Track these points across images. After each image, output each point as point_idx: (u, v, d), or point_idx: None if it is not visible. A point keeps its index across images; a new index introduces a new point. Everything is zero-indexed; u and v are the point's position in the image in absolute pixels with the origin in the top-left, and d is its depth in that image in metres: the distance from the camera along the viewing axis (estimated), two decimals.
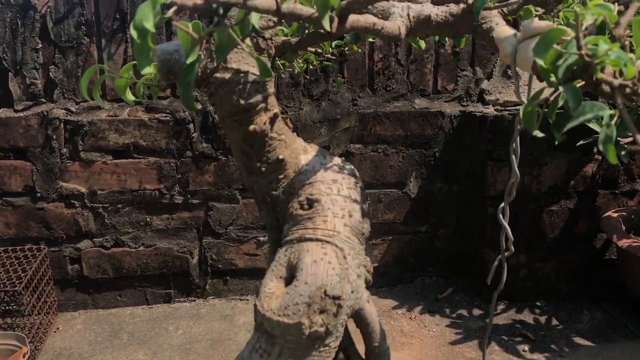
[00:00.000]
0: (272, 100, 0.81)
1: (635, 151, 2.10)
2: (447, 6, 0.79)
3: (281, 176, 0.85)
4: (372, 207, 2.15)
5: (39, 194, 1.94)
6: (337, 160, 0.90)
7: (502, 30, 0.74)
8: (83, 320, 2.02)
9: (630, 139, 1.82)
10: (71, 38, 1.90)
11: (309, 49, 1.20)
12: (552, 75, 0.57)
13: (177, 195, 2.02)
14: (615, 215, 2.03)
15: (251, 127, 0.78)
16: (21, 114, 1.90)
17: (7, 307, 1.79)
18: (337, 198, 0.82)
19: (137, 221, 2.03)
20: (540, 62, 0.56)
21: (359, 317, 0.80)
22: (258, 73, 0.79)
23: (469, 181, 2.11)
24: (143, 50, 0.58)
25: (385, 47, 2.07)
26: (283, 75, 1.27)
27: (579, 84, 0.56)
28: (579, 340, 1.85)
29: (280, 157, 0.82)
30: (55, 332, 1.94)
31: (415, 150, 2.13)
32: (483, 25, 0.76)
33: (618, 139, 1.80)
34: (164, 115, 1.97)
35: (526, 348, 1.81)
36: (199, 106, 1.95)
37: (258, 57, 0.59)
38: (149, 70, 0.60)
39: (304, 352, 0.73)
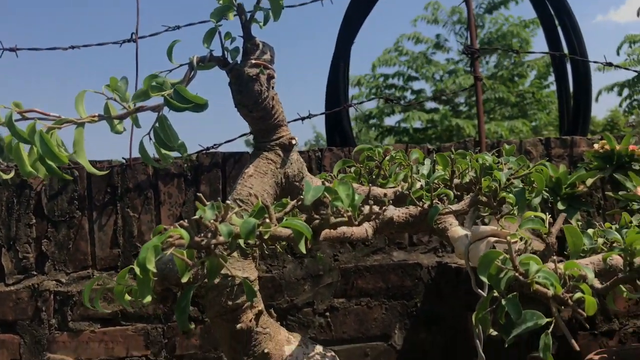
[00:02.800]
0: (257, 297, 0.89)
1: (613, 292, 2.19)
2: (407, 208, 0.91)
3: None
4: None
5: None
6: (319, 348, 0.97)
7: (455, 230, 0.85)
8: None
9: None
10: (64, 212, 2.01)
11: None
12: (495, 287, 0.66)
13: None
14: (596, 358, 2.07)
15: (239, 326, 0.85)
16: (12, 288, 1.96)
17: None
18: None
19: None
20: (484, 279, 0.66)
21: None
22: (245, 276, 0.89)
23: (452, 331, 2.15)
24: (144, 283, 0.68)
25: None
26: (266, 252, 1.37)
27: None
28: None
29: (266, 350, 0.88)
30: None
31: (397, 302, 2.20)
32: (439, 225, 0.88)
33: None
34: None
35: None
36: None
37: (245, 281, 0.69)
38: (149, 300, 0.68)
39: None
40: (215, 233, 0.63)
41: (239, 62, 0.91)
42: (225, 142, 1.99)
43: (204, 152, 2.05)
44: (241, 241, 0.73)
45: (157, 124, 0.83)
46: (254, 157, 0.95)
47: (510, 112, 11.48)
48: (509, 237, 0.67)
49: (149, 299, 0.68)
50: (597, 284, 0.72)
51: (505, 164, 0.91)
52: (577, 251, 0.75)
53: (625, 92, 10.55)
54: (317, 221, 0.76)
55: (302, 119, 2.05)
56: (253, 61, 0.89)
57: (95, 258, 2.03)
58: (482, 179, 0.86)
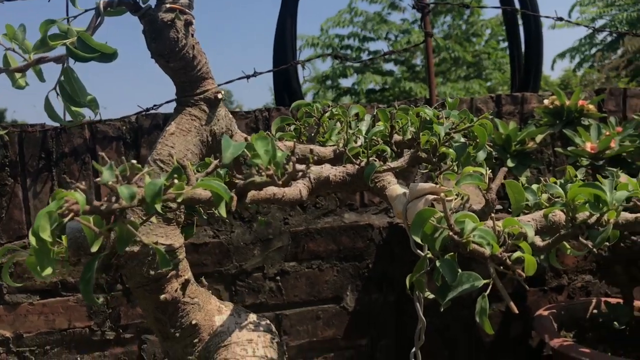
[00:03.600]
0: (184, 265, 0.83)
1: (558, 248, 2.20)
2: (344, 167, 0.85)
3: (196, 340, 0.85)
4: (311, 325, 2.14)
5: None
6: (253, 317, 0.91)
7: (394, 189, 0.80)
8: None
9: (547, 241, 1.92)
10: None
11: None
12: (430, 248, 0.61)
13: (108, 330, 1.96)
14: (546, 313, 2.09)
15: (162, 297, 0.79)
16: None
17: None
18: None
19: None
20: (417, 239, 0.61)
21: None
22: (167, 242, 0.82)
23: (404, 291, 2.14)
24: (43, 253, 0.60)
25: None
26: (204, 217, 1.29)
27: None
28: None
29: (194, 322, 0.83)
30: None
31: (349, 264, 2.17)
32: (377, 184, 0.82)
33: None
34: None
35: None
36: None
37: (157, 248, 0.62)
38: (49, 272, 0.61)
39: None
40: (118, 197, 0.56)
41: (152, 6, 0.82)
42: (166, 103, 1.88)
43: (144, 113, 1.95)
44: (158, 205, 0.66)
45: (62, 77, 0.74)
46: (176, 113, 0.87)
47: (467, 72, 11.52)
48: (443, 195, 0.62)
49: (48, 271, 0.61)
50: (538, 241, 0.68)
51: (446, 118, 0.86)
52: (520, 208, 0.71)
53: (577, 58, 10.72)
54: (240, 182, 0.69)
55: (247, 77, 1.96)
56: (168, 5, 0.80)
57: (30, 227, 1.92)
58: (421, 134, 0.81)
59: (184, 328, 0.83)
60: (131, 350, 2.00)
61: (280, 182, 0.63)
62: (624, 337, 1.95)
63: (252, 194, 0.73)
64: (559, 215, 0.73)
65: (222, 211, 0.64)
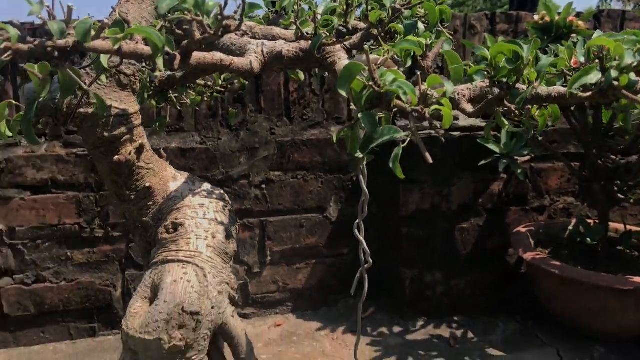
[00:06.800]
0: (139, 131, 0.86)
1: (542, 169, 2.23)
2: (299, 42, 0.87)
3: (150, 203, 0.90)
4: (295, 233, 2.20)
5: None
6: (207, 185, 0.95)
7: (342, 64, 0.82)
8: (3, 359, 1.99)
9: (527, 157, 1.95)
10: None
11: (199, 82, 1.26)
12: (356, 102, 0.64)
13: (97, 228, 2.04)
14: (524, 230, 2.14)
15: (116, 158, 0.83)
16: None
17: None
18: (202, 221, 0.87)
19: (57, 256, 2.03)
20: (343, 92, 0.63)
21: (223, 331, 0.85)
22: (122, 107, 0.85)
23: (386, 203, 2.19)
24: None
25: None
26: (179, 108, 1.33)
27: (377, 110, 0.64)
28: (491, 351, 1.93)
29: (148, 184, 0.87)
30: None
31: (334, 176, 2.21)
32: (328, 59, 0.84)
33: (515, 157, 1.91)
34: (82, 150, 1.99)
35: None
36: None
37: (95, 93, 0.65)
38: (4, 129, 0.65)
39: None
40: (52, 35, 0.59)
41: None
42: None
43: None
44: (104, 59, 0.69)
45: None
46: None
47: None
48: (372, 54, 0.64)
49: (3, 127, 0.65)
50: (469, 108, 0.70)
51: None
52: (459, 78, 0.73)
53: None
54: (184, 42, 0.72)
55: None
56: None
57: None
58: (371, 10, 0.82)
59: (139, 191, 0.87)
60: (119, 249, 2.08)
61: (212, 32, 0.65)
62: (596, 254, 2.00)
63: (197, 56, 0.75)
64: (487, 82, 0.74)
65: (160, 63, 0.66)
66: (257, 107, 2.13)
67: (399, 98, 0.62)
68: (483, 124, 2.13)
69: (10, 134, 0.90)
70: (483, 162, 1.93)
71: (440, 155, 2.04)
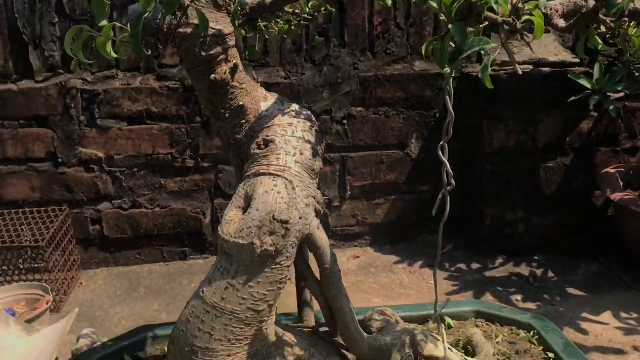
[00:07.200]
0: (233, 52, 0.91)
1: (636, 108, 2.12)
2: None
3: (243, 121, 0.95)
4: (375, 168, 2.23)
5: (60, 160, 2.09)
6: (295, 106, 0.99)
7: None
8: (104, 276, 2.17)
9: (621, 94, 1.86)
10: (85, 11, 2.03)
11: (287, 9, 1.28)
12: (446, 15, 0.65)
13: (188, 159, 2.15)
14: (613, 171, 2.07)
15: (212, 76, 0.88)
16: (41, 85, 2.04)
17: (34, 265, 1.94)
18: (290, 139, 0.92)
19: (152, 184, 2.16)
20: (433, 4, 0.64)
21: (309, 242, 0.90)
22: (217, 28, 0.89)
23: (468, 140, 2.17)
24: (99, 5, 0.69)
25: (384, 11, 2.13)
26: (267, 37, 1.36)
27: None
28: (572, 290, 1.92)
29: (241, 103, 0.92)
30: (79, 287, 2.10)
31: (416, 112, 2.20)
32: None
33: (608, 94, 1.83)
34: (174, 83, 2.08)
35: (519, 298, 1.89)
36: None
37: (197, 8, 0.69)
38: (105, 23, 0.70)
39: (257, 269, 0.84)
40: None
41: None
42: None
43: None
44: None
45: None
46: None
47: None
48: None
49: (104, 22, 0.70)
50: (561, 23, 0.69)
51: None
52: None
53: None
54: None
55: None
56: None
57: (118, 59, 2.07)
58: None
59: (233, 109, 0.92)
60: (209, 179, 2.19)
61: None
62: None
63: None
64: None
65: None
66: (341, 42, 2.14)
67: (490, 10, 0.63)
68: (574, 60, 2.05)
69: (116, 55, 0.97)
70: (573, 98, 1.86)
71: (528, 91, 1.99)
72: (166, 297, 2.00)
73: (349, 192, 2.24)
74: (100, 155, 2.11)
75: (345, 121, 2.18)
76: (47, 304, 1.73)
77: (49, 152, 2.09)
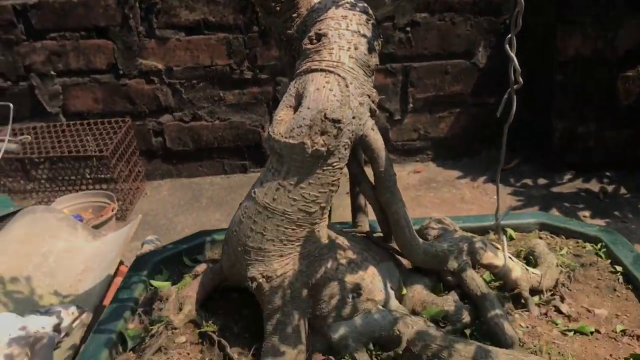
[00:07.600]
0: None
1: None
2: None
3: (295, 15, 0.89)
4: (439, 79, 2.14)
5: (121, 71, 2.10)
6: None
7: None
8: (168, 187, 2.23)
9: None
10: None
11: None
12: None
13: (246, 70, 2.12)
14: None
15: None
16: None
17: (100, 175, 2.00)
18: (344, 32, 0.86)
19: (211, 96, 2.16)
20: None
21: (363, 143, 0.86)
22: None
23: (539, 47, 2.03)
24: None
25: None
26: None
27: None
28: None
29: None
30: (144, 196, 2.16)
31: (484, 18, 2.07)
32: None
33: None
34: None
35: (587, 214, 1.81)
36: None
37: None
38: None
39: (308, 169, 0.81)
40: None
41: None
42: None
43: None
44: None
45: None
46: None
47: None
48: None
49: None
50: None
51: None
52: None
53: None
54: None
55: None
56: None
57: None
58: None
59: (283, 2, 0.87)
60: (267, 91, 2.16)
61: None
62: None
63: None
64: None
65: None
66: None
67: None
68: None
69: None
70: None
71: None
72: (227, 208, 2.03)
73: (411, 105, 2.17)
74: (160, 66, 2.11)
75: (408, 28, 2.08)
76: (112, 211, 1.79)
77: (110, 64, 2.10)
